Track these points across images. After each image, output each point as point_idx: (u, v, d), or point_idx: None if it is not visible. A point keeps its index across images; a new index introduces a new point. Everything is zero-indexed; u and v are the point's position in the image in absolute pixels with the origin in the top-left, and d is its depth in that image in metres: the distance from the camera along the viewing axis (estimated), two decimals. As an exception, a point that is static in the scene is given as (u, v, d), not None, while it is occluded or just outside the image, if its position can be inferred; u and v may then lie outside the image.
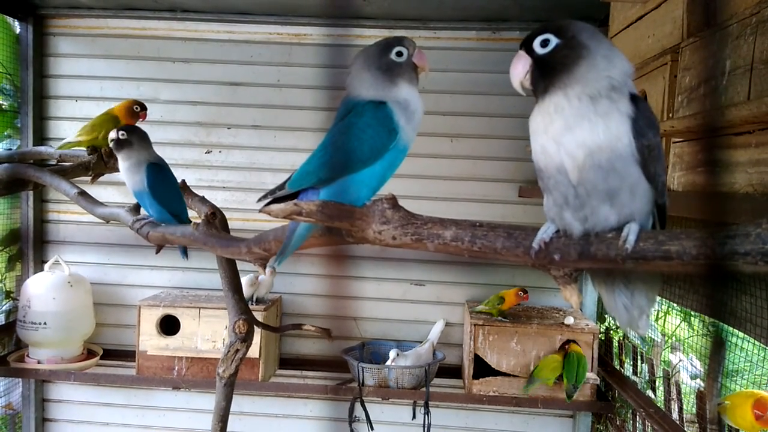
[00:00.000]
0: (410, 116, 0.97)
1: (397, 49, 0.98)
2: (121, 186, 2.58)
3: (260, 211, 0.96)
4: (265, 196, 1.01)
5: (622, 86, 0.82)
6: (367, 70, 0.98)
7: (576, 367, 2.22)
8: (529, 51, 0.86)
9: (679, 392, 2.26)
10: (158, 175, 1.53)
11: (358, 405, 2.44)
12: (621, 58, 0.84)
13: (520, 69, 0.87)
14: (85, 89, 2.75)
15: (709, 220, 1.20)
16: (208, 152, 2.76)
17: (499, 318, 2.37)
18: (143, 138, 1.56)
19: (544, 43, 0.85)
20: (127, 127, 1.54)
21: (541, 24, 0.87)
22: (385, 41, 0.99)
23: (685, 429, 2.02)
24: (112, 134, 1.51)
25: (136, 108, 2.07)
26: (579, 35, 0.83)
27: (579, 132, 0.80)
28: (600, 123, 0.79)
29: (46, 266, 2.61)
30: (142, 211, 1.61)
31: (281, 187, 1.00)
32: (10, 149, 2.69)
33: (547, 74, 0.84)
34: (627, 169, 0.80)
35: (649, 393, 2.37)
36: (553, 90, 0.83)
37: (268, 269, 1.47)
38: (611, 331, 2.84)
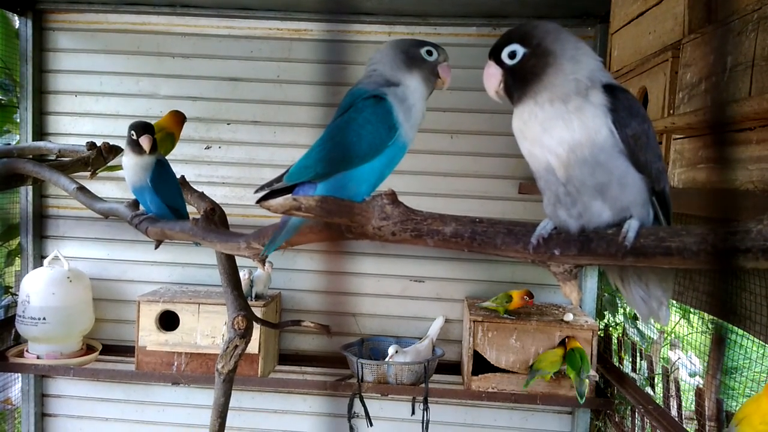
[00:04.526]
0: (408, 110, 0.97)
1: (428, 48, 1.01)
2: (121, 182, 2.57)
3: (258, 203, 0.95)
4: (261, 188, 1.00)
5: (592, 81, 0.81)
6: (395, 49, 1.02)
7: (580, 360, 2.22)
8: (498, 61, 0.86)
9: (678, 389, 2.26)
10: (161, 170, 1.53)
11: (357, 401, 2.44)
12: (588, 54, 0.84)
13: (493, 81, 0.87)
14: (84, 84, 2.74)
15: (710, 216, 1.20)
16: (207, 148, 2.75)
17: (506, 315, 2.37)
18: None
19: (512, 55, 0.84)
20: (149, 127, 1.53)
21: (505, 32, 0.86)
22: (423, 40, 1.03)
23: (684, 426, 2.02)
24: (145, 141, 1.49)
25: (184, 118, 2.18)
26: (544, 41, 0.83)
27: (556, 131, 0.80)
28: (574, 119, 0.80)
29: (46, 261, 2.61)
30: (141, 207, 1.60)
31: (278, 179, 1.00)
32: (9, 144, 2.69)
33: (519, 84, 0.84)
34: (612, 161, 0.80)
35: (648, 390, 2.38)
36: (525, 99, 0.84)
37: (267, 264, 1.47)
38: (610, 328, 2.85)
